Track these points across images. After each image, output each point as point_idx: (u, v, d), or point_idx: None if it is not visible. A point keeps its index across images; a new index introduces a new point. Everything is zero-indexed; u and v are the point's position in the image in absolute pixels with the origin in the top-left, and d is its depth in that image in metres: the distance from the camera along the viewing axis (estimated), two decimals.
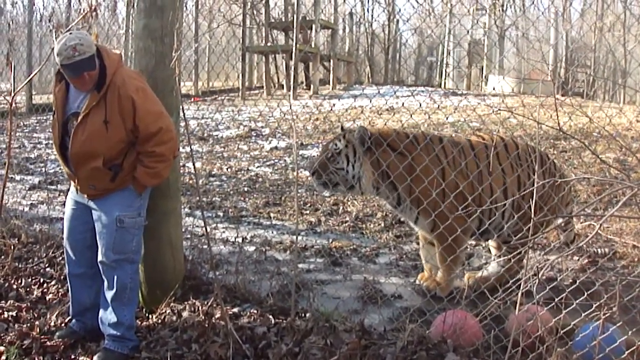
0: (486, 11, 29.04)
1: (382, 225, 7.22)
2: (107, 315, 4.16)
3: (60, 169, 8.94)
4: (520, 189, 4.87)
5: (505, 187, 4.88)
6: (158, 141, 3.94)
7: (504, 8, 30.55)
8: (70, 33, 3.79)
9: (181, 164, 4.81)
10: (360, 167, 4.76)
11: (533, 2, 31.86)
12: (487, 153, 4.85)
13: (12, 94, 5.57)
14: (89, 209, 4.13)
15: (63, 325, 4.48)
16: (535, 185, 3.52)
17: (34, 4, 19.44)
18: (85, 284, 4.35)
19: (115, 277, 4.11)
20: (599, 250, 5.86)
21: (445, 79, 31.48)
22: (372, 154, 4.74)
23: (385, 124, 5.60)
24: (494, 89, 22.42)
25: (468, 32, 27.95)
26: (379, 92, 5.24)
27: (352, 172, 4.77)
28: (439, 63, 34.59)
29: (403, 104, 5.85)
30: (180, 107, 4.40)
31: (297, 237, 4.81)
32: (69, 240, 4.26)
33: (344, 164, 4.79)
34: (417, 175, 4.59)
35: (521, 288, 3.35)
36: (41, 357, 4.07)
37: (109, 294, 4.14)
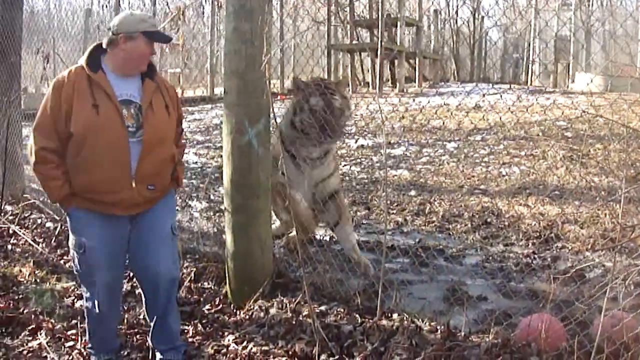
0: (572, 6, 28.28)
1: (469, 226, 7.14)
2: (171, 328, 4.14)
3: None
4: None
5: None
6: (181, 136, 4.13)
7: (590, 3, 29.68)
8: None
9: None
10: None
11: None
12: None
13: None
14: (126, 229, 3.89)
15: None
16: None
17: (120, 5, 19.94)
18: (116, 322, 4.23)
19: (174, 291, 4.13)
20: None
21: (531, 76, 30.85)
22: None
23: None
24: (586, 85, 21.84)
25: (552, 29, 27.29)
26: (465, 91, 5.20)
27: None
28: (524, 60, 33.91)
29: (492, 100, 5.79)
30: (271, 108, 4.48)
31: (385, 237, 4.84)
32: (104, 275, 3.84)
33: (347, 112, 5.46)
34: None
35: (607, 293, 3.29)
36: None
37: (171, 308, 4.09)
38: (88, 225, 3.75)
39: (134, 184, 3.72)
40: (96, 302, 3.88)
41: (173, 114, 3.96)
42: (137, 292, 4.92)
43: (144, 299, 4.12)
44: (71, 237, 3.83)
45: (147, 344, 4.25)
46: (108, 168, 3.66)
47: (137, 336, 4.42)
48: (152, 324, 4.10)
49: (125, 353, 4.25)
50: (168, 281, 3.97)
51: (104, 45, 3.75)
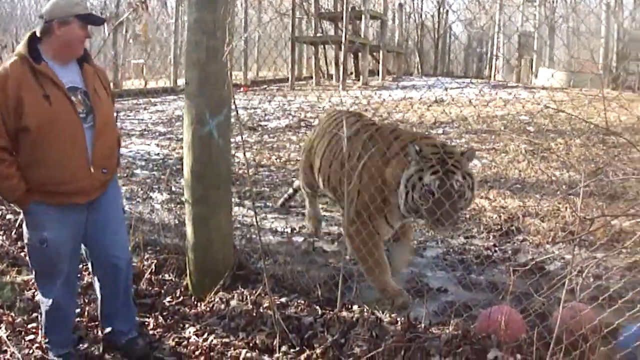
0: (536, 2, 28.59)
1: None
2: (133, 310, 4.24)
3: None
4: None
5: None
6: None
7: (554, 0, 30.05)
8: None
9: (231, 153, 4.86)
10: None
11: None
12: None
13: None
14: (84, 217, 3.85)
15: None
16: None
17: None
18: (74, 315, 4.23)
19: (129, 275, 4.16)
20: None
21: (494, 70, 31.16)
22: None
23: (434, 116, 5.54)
24: (547, 80, 22.10)
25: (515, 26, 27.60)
26: (428, 84, 5.15)
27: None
28: (488, 55, 34.25)
29: (454, 94, 5.82)
30: (232, 100, 4.46)
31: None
32: (65, 268, 3.83)
33: (468, 195, 4.39)
34: None
35: (566, 285, 3.34)
36: None
37: (126, 292, 4.15)
38: (48, 219, 3.68)
39: (92, 170, 3.70)
40: (55, 297, 3.83)
41: (109, 96, 3.96)
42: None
43: (101, 287, 4.09)
44: (29, 233, 3.75)
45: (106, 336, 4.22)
46: (68, 157, 3.61)
47: (97, 329, 4.37)
48: (110, 312, 4.10)
49: (85, 346, 4.21)
50: (127, 263, 4.05)
51: (38, 34, 3.64)
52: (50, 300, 3.85)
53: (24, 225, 3.80)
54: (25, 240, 3.81)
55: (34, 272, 3.93)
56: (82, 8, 3.66)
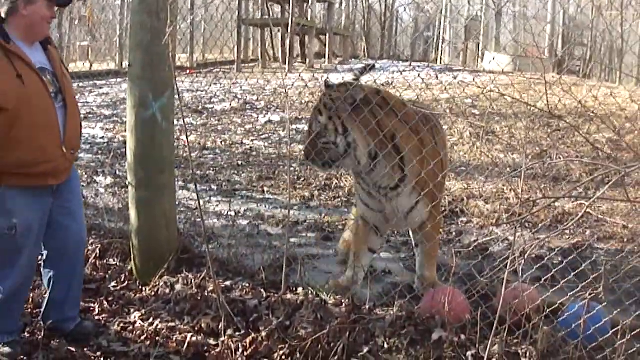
0: None
1: None
2: (77, 294, 4.18)
3: None
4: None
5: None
6: None
7: None
8: None
9: (175, 137, 4.82)
10: (351, 134, 4.24)
11: None
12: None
13: None
14: (51, 200, 3.78)
15: None
16: None
17: None
18: (24, 301, 4.15)
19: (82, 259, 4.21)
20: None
21: (441, 54, 31.44)
22: (368, 117, 4.22)
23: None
24: (489, 64, 22.37)
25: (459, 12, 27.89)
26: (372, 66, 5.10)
27: (344, 143, 4.25)
28: (435, 39, 34.52)
29: (401, 77, 5.79)
30: (174, 82, 4.41)
31: (289, 212, 4.87)
32: (28, 252, 3.74)
33: (331, 137, 4.28)
34: (432, 147, 4.34)
35: (508, 266, 3.40)
36: None
37: (80, 277, 4.16)
38: (18, 204, 3.59)
39: (64, 150, 3.65)
40: (13, 284, 3.74)
41: None
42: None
43: (55, 273, 4.00)
44: None
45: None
46: (43, 137, 3.56)
47: (41, 316, 4.30)
48: (61, 298, 4.02)
49: (29, 332, 4.12)
50: (85, 244, 4.13)
51: (2, 15, 3.54)
52: (8, 288, 3.75)
53: None
54: None
55: None
56: None
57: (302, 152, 4.59)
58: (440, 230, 4.44)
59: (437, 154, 4.39)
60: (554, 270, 3.74)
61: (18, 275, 3.74)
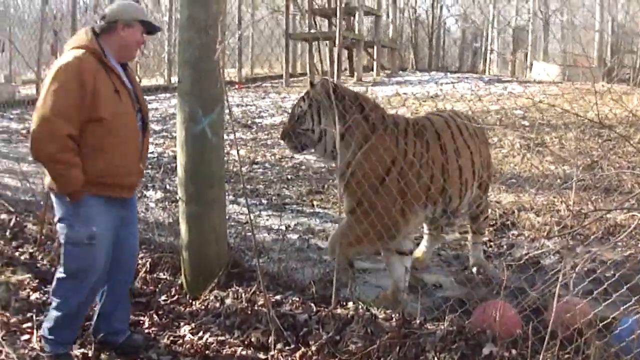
0: None
1: None
2: (127, 306, 4.27)
3: None
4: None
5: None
6: None
7: None
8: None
9: (225, 151, 4.85)
10: (325, 123, 4.66)
11: None
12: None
13: None
14: (120, 212, 3.90)
15: None
16: None
17: None
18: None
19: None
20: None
21: (489, 65, 31.19)
22: (340, 111, 4.57)
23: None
24: (538, 74, 22.10)
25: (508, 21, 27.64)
26: (419, 82, 5.12)
27: (318, 130, 4.70)
28: (483, 49, 34.28)
29: (450, 89, 5.83)
30: (225, 98, 4.44)
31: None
32: (102, 265, 3.81)
33: (309, 125, 4.72)
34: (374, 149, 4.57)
35: (560, 280, 3.34)
36: None
37: (128, 289, 4.28)
38: (98, 213, 3.72)
39: (141, 166, 3.92)
40: (82, 299, 3.82)
41: None
42: None
43: (109, 285, 4.04)
44: (77, 229, 3.69)
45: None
46: (129, 152, 3.80)
47: (91, 329, 4.34)
48: (111, 311, 4.08)
49: (79, 344, 4.16)
50: (136, 258, 4.33)
51: (97, 31, 3.77)
52: (76, 303, 3.82)
53: (61, 224, 3.75)
54: (66, 239, 3.73)
55: (63, 274, 3.81)
56: (144, 15, 3.89)
57: (281, 134, 4.98)
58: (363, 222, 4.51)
59: (393, 160, 4.61)
60: (606, 284, 3.65)
61: (88, 291, 3.83)
